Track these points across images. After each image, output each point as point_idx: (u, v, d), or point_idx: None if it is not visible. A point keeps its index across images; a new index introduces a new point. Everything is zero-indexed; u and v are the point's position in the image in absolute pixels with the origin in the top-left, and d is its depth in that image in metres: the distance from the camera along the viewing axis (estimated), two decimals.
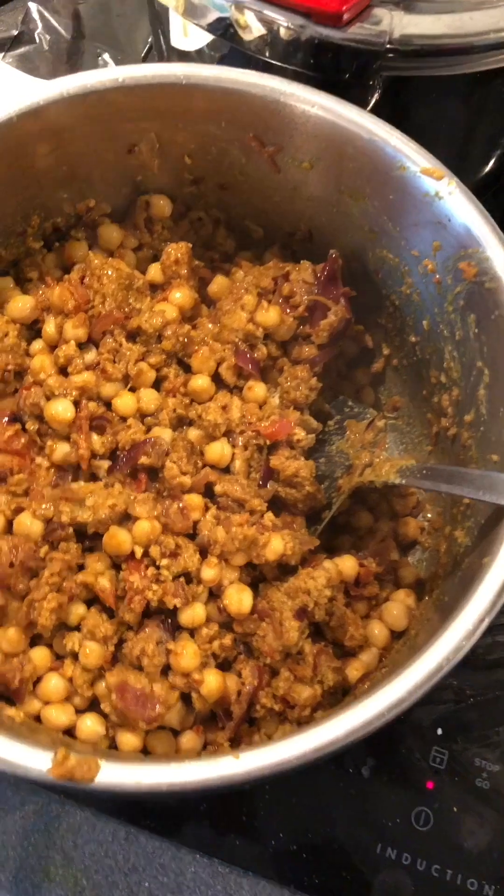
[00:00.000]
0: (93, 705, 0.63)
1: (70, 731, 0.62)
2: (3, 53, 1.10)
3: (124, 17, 1.11)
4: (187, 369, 0.72)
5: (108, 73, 0.62)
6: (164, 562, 0.63)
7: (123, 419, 0.68)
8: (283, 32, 0.67)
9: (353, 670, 0.65)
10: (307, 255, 0.76)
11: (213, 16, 0.70)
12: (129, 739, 0.61)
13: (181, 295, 0.72)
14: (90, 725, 0.61)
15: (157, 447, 0.66)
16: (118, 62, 1.08)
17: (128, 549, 0.63)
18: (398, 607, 0.68)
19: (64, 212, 0.72)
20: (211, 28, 0.71)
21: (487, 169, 0.88)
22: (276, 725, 0.64)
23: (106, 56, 1.08)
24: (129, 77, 0.62)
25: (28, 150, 0.64)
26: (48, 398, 0.67)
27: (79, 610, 0.63)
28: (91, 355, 0.69)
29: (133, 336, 0.70)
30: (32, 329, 0.72)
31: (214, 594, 0.65)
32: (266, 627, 0.63)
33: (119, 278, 0.70)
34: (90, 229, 0.75)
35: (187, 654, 0.61)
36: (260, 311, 0.70)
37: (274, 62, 0.71)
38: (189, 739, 0.63)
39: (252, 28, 0.68)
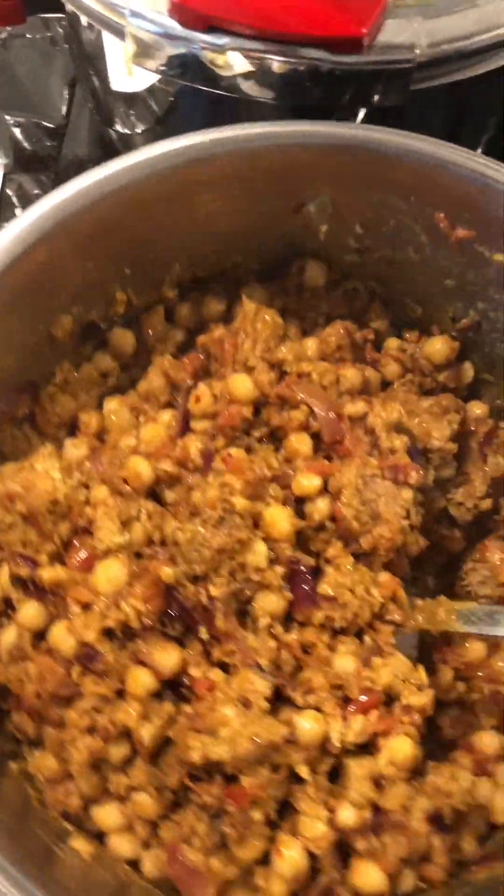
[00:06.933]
0: None
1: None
2: None
3: (32, 73, 0.92)
4: None
5: (295, 126, 0.54)
6: None
7: None
8: (276, 67, 0.57)
9: None
10: (470, 345, 0.67)
11: (166, 55, 0.59)
12: None
13: None
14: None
15: None
16: (39, 127, 0.90)
17: None
18: None
19: (208, 263, 0.64)
20: (167, 68, 0.60)
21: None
22: None
23: (15, 129, 0.88)
24: (318, 133, 0.54)
25: (191, 198, 0.57)
26: None
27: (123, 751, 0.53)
28: None
29: None
30: None
31: None
32: None
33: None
34: (232, 284, 0.66)
35: None
36: None
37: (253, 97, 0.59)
38: None
39: (234, 66, 0.58)
